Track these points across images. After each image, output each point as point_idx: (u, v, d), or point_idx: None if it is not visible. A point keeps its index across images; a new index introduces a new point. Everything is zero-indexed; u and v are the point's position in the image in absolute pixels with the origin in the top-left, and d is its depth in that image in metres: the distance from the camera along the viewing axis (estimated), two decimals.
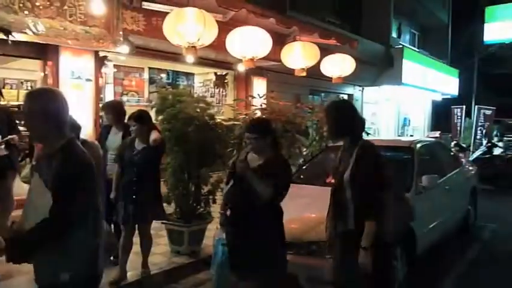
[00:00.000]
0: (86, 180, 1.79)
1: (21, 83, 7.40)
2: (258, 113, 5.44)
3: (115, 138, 4.26)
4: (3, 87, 7.19)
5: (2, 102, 6.96)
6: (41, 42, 5.16)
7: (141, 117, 3.75)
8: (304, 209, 3.95)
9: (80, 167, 1.78)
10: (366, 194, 2.49)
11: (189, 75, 9.09)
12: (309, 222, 3.68)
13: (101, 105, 6.03)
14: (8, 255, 1.75)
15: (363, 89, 13.99)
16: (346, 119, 2.66)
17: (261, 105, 5.56)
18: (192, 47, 4.18)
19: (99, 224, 1.90)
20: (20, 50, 5.77)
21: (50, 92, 1.93)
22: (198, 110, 4.56)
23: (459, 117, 15.45)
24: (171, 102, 4.29)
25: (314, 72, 6.65)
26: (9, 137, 4.35)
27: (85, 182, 1.78)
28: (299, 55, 5.75)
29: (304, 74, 6.04)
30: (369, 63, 12.15)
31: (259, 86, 9.49)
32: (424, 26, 19.07)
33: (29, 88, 6.95)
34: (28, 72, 7.01)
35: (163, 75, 8.62)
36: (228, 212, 2.87)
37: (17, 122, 4.54)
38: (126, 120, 4.19)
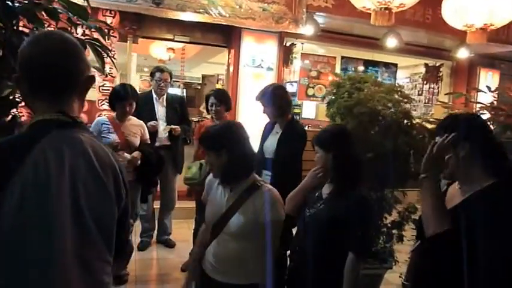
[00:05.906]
0: None
1: (218, 79, 7.51)
2: (485, 114, 3.56)
3: (272, 139, 3.05)
4: (205, 84, 7.45)
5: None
6: (217, 23, 4.68)
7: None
8: None
9: None
10: None
11: (390, 67, 7.52)
12: None
13: None
14: None
15: None
16: None
17: (491, 103, 3.66)
18: (385, 9, 2.79)
19: None
20: (206, 37, 5.56)
21: None
22: (390, 104, 3.15)
23: None
24: (347, 89, 3.00)
25: None
26: (173, 126, 3.95)
27: None
28: None
29: None
30: None
31: (488, 81, 7.15)
32: None
33: (223, 83, 6.89)
34: (222, 66, 6.95)
35: (360, 67, 7.34)
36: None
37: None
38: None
